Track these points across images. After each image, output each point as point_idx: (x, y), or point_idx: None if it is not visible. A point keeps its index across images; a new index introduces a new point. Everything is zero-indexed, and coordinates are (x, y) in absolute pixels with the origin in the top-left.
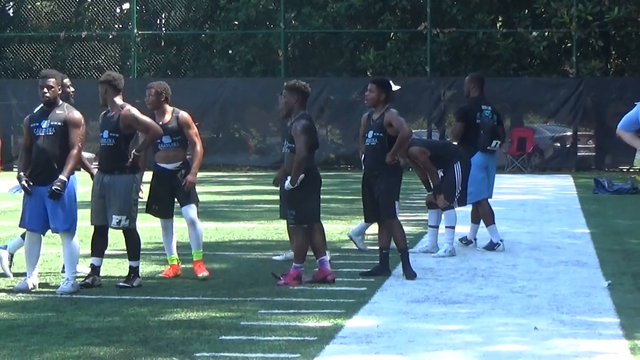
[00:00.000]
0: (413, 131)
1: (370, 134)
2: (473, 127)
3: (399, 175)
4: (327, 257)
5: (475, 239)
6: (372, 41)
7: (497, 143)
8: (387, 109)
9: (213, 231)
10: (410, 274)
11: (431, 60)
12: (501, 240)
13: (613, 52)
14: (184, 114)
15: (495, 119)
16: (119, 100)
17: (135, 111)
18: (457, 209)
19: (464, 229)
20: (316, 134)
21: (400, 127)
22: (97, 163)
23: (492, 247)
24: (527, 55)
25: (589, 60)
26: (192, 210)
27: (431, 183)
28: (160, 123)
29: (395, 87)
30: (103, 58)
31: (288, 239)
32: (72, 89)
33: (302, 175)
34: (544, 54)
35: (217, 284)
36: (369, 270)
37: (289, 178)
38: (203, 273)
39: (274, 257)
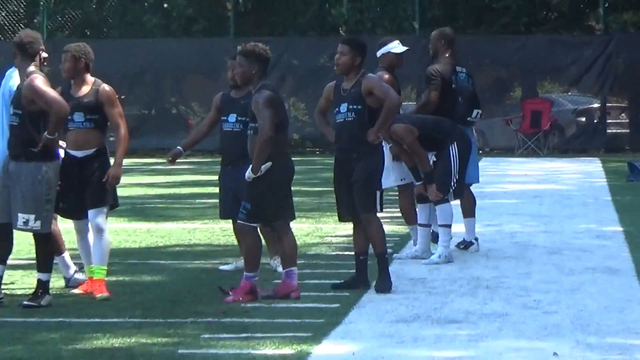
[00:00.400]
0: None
1: (344, 107)
2: (449, 95)
3: (382, 158)
4: (296, 270)
5: (476, 239)
6: None
7: (478, 113)
8: (362, 74)
9: (144, 234)
10: (383, 286)
11: (421, 15)
12: (475, 239)
13: None
14: (105, 88)
15: (471, 84)
16: (31, 68)
17: (38, 81)
18: (454, 202)
19: (462, 227)
20: (284, 108)
21: (386, 94)
22: None
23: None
24: (542, 7)
25: (620, 12)
26: (101, 215)
27: (420, 170)
28: (75, 96)
29: (401, 49)
30: (4, 14)
31: (238, 243)
32: (44, 54)
33: (268, 163)
34: (562, 5)
35: (149, 302)
36: (342, 281)
37: (250, 166)
38: (102, 294)
39: (222, 267)
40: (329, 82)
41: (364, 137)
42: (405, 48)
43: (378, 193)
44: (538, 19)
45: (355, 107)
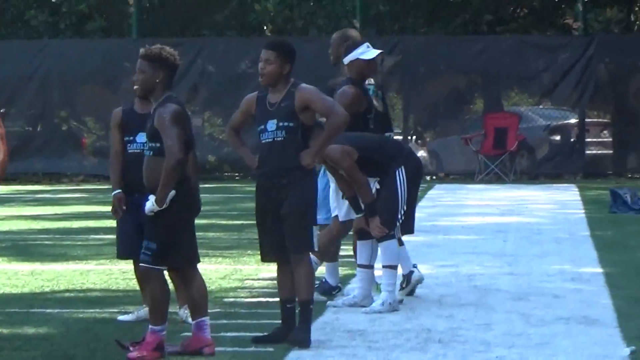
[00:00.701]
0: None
1: (272, 124)
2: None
3: (316, 185)
4: (209, 320)
5: (414, 266)
6: None
7: (390, 135)
8: (293, 85)
9: (27, 276)
10: (299, 338)
11: (362, 11)
12: (414, 266)
13: None
14: None
15: (382, 99)
16: None
17: None
18: (404, 238)
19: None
20: (191, 125)
21: (331, 109)
22: None
23: (329, 290)
24: (510, 1)
25: (602, 8)
26: None
27: (361, 201)
28: None
29: (372, 53)
30: None
31: (140, 289)
32: None
33: (172, 192)
34: (534, 0)
35: (33, 359)
36: (265, 334)
37: (150, 197)
38: None
39: (121, 317)
40: (252, 92)
41: (297, 160)
42: (377, 52)
43: (315, 229)
44: (504, 16)
45: (286, 124)
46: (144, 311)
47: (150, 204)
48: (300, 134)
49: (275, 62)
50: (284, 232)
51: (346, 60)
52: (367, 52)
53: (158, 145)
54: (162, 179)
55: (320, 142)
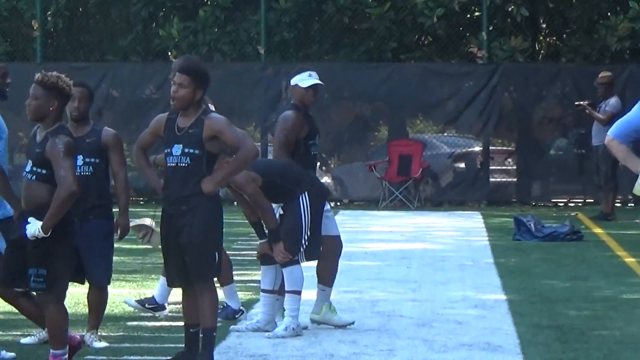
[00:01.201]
0: None
1: (177, 149)
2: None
3: (220, 212)
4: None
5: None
6: (176, 7)
7: None
8: (204, 112)
9: None
10: None
11: (267, 38)
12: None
13: (543, 26)
14: None
15: None
16: None
17: None
18: (305, 264)
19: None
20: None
21: (241, 143)
22: None
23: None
24: (414, 29)
25: (507, 37)
26: None
27: (265, 226)
28: None
29: (310, 81)
30: None
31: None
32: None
33: None
34: (438, 28)
35: None
36: (169, 358)
37: (31, 221)
38: None
39: (24, 340)
40: (159, 114)
41: (198, 187)
42: (315, 81)
43: (217, 255)
44: (408, 44)
45: (191, 151)
46: (45, 333)
47: (35, 229)
48: (205, 162)
49: (189, 87)
50: (186, 260)
51: (291, 83)
52: (305, 80)
53: (44, 172)
54: (53, 208)
55: (225, 173)
